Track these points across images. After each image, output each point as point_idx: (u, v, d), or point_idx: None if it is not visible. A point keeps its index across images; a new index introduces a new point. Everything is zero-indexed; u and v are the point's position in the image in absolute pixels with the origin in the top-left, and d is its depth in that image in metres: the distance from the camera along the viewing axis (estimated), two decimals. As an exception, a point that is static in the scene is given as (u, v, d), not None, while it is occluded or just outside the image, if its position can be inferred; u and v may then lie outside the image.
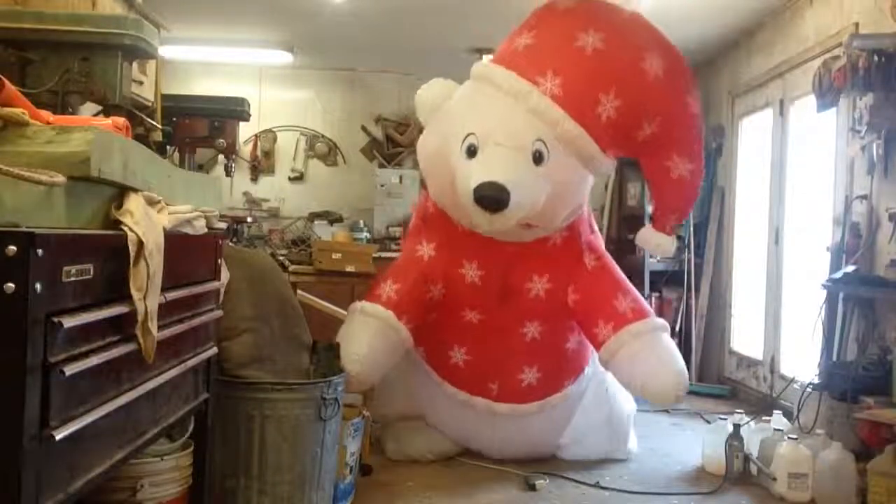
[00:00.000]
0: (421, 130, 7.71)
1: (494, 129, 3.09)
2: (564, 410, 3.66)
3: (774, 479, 3.34)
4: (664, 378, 3.25)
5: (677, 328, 6.09)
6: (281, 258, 4.68)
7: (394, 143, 7.34)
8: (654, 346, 3.30)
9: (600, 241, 3.77)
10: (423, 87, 3.45)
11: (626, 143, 3.32)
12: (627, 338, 3.27)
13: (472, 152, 3.11)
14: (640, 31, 3.18)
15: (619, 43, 3.14)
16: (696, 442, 3.97)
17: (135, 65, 2.32)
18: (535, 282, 3.41)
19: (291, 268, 4.45)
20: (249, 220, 6.22)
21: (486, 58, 3.44)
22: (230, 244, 3.45)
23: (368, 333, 3.22)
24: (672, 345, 3.44)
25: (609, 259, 3.66)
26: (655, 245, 3.43)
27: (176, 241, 1.69)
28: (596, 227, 3.84)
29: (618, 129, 3.19)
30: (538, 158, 3.08)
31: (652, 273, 6.31)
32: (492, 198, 2.95)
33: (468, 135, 3.12)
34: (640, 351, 3.26)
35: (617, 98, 3.10)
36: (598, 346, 3.38)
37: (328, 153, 7.37)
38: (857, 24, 4.06)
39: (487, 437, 3.61)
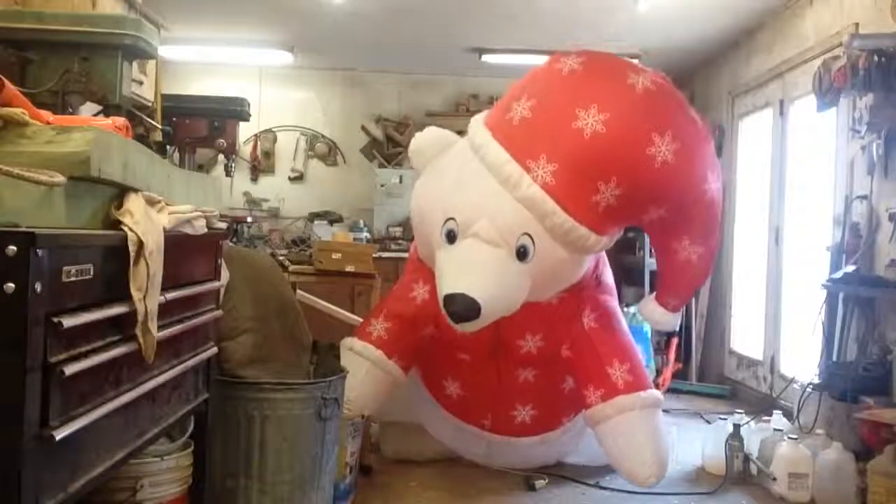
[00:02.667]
0: (420, 130, 7.71)
1: (477, 217, 2.79)
2: (564, 443, 3.57)
3: (774, 479, 3.34)
4: (637, 464, 3.04)
5: (677, 328, 6.09)
6: (281, 258, 4.68)
7: (394, 143, 7.34)
8: (637, 426, 3.06)
9: (607, 280, 3.48)
10: (419, 135, 3.22)
11: (630, 223, 3.13)
12: (612, 412, 3.07)
13: (451, 238, 2.86)
14: (651, 110, 2.77)
15: (623, 125, 2.73)
16: (696, 442, 3.97)
17: (135, 65, 2.32)
18: (527, 339, 3.22)
19: (291, 268, 4.45)
20: (249, 220, 6.22)
21: (481, 116, 3.07)
22: (230, 244, 3.45)
23: (358, 376, 3.05)
24: (657, 425, 3.17)
25: (612, 315, 3.36)
26: (655, 322, 3.20)
27: (176, 241, 1.69)
28: (605, 265, 3.51)
29: (618, 215, 2.91)
30: (522, 254, 2.79)
31: (652, 273, 6.30)
32: (460, 313, 2.73)
33: (449, 219, 2.86)
34: (621, 428, 3.07)
35: (618, 187, 2.77)
36: (585, 408, 3.21)
37: (328, 153, 7.37)
38: (857, 24, 4.06)
39: (484, 454, 3.58)
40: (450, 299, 2.72)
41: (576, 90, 2.80)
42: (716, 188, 2.91)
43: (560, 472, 3.55)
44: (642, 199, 2.90)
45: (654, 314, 3.13)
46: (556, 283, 3.01)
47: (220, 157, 4.44)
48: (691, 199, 2.87)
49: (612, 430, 3.08)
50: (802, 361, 4.25)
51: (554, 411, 3.42)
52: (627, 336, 3.32)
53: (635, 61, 6.30)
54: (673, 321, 3.15)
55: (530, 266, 2.80)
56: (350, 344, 3.25)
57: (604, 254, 3.47)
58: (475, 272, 2.75)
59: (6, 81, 1.47)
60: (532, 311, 3.04)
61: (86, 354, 1.34)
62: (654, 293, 3.21)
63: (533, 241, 2.77)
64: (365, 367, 3.18)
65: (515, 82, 3.08)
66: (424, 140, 3.19)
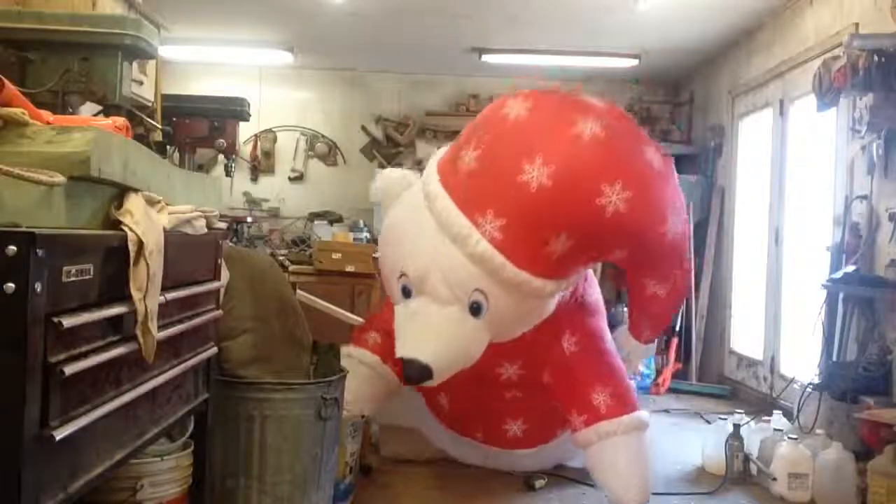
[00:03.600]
0: (420, 130, 7.72)
1: (429, 274, 2.74)
2: (562, 451, 3.53)
3: (774, 479, 3.34)
4: (621, 490, 2.97)
5: (677, 328, 6.10)
6: (281, 258, 4.68)
7: (394, 143, 7.35)
8: (619, 452, 2.99)
9: (592, 298, 3.34)
10: (381, 175, 3.18)
11: (591, 264, 3.03)
12: (594, 437, 3.01)
13: (406, 293, 2.86)
14: (599, 159, 2.62)
15: (569, 178, 2.60)
16: (696, 442, 3.97)
17: (135, 65, 2.31)
18: (505, 367, 3.15)
19: (291, 268, 4.45)
20: (249, 220, 6.22)
21: (438, 156, 2.97)
22: (230, 244, 3.45)
23: (355, 381, 3.02)
24: (640, 449, 3.07)
25: (594, 337, 3.23)
26: (627, 352, 3.12)
27: (176, 241, 1.69)
28: (591, 284, 3.41)
29: (575, 262, 2.83)
30: (476, 310, 2.73)
31: (652, 273, 6.31)
32: (412, 378, 2.74)
33: (402, 274, 2.85)
34: (604, 454, 3.01)
35: (570, 239, 2.68)
36: (571, 430, 3.15)
37: (328, 153, 7.37)
38: (857, 24, 4.06)
39: (482, 462, 3.57)
40: (403, 363, 2.71)
41: (521, 140, 2.67)
42: (677, 228, 2.78)
43: (560, 473, 3.55)
44: (598, 247, 2.85)
45: (627, 344, 3.07)
46: (521, 325, 2.92)
47: (220, 157, 4.44)
48: (650, 243, 2.77)
49: (595, 455, 3.04)
50: (802, 361, 4.26)
51: (546, 425, 3.38)
52: (611, 357, 3.21)
53: (635, 61, 6.37)
54: (647, 351, 3.09)
55: (487, 319, 2.74)
56: (348, 351, 3.27)
57: (590, 272, 3.42)
58: (427, 336, 2.72)
59: (6, 81, 1.47)
60: (508, 340, 2.98)
61: (86, 354, 1.34)
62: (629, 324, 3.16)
63: (486, 296, 2.70)
64: (361, 371, 3.21)
65: (470, 122, 2.96)
66: (385, 183, 3.14)
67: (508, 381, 3.18)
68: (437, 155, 2.99)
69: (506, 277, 2.65)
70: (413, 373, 2.69)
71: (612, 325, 3.55)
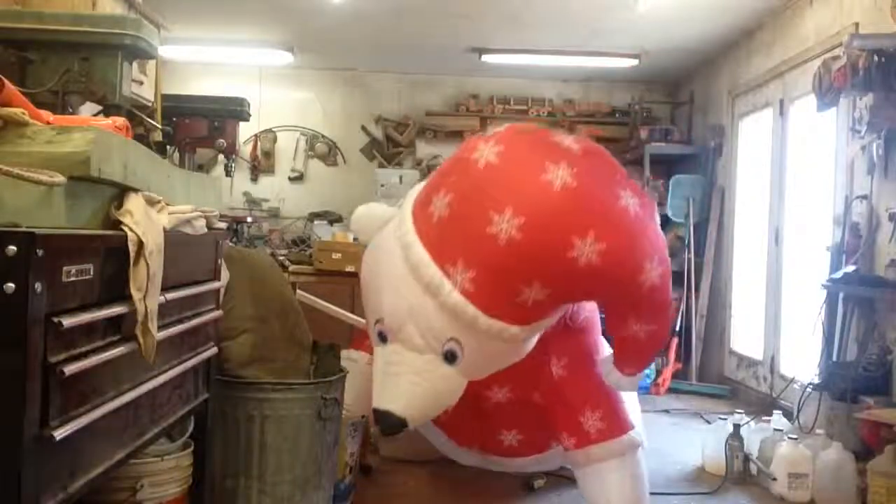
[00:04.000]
0: (420, 130, 7.71)
1: (402, 323, 2.69)
2: (561, 456, 3.44)
3: (774, 479, 3.34)
4: None
5: (677, 328, 6.10)
6: (281, 258, 4.68)
7: (394, 143, 7.35)
8: (609, 476, 2.95)
9: (583, 315, 3.23)
10: (356, 214, 3.08)
11: (572, 305, 3.00)
12: (584, 460, 2.99)
13: (382, 338, 2.80)
14: (570, 210, 2.52)
15: (539, 230, 2.50)
16: (696, 442, 3.97)
17: (135, 65, 2.31)
18: (494, 391, 3.11)
19: (291, 268, 4.45)
20: (249, 220, 6.22)
21: (414, 194, 2.89)
22: (230, 244, 3.45)
23: (356, 383, 3.02)
24: (634, 470, 3.02)
25: (584, 358, 3.15)
26: (615, 384, 3.03)
27: (176, 241, 1.69)
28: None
29: (552, 307, 2.75)
30: (451, 358, 2.66)
31: (652, 273, 6.31)
32: (388, 430, 2.72)
33: (378, 320, 2.80)
34: (594, 478, 2.99)
35: (543, 288, 2.59)
36: (563, 449, 3.13)
37: (328, 153, 7.37)
38: (857, 24, 4.06)
39: (481, 465, 3.54)
40: (377, 413, 2.69)
41: (490, 189, 2.57)
42: (656, 275, 2.63)
43: (560, 473, 3.55)
44: (574, 294, 2.80)
45: (611, 376, 2.99)
46: (499, 366, 2.85)
47: (220, 157, 4.44)
48: (628, 292, 2.68)
49: (586, 477, 3.02)
50: (802, 361, 4.25)
51: (542, 436, 3.33)
52: (601, 376, 3.10)
53: (635, 61, 6.37)
54: (632, 384, 3.02)
55: (462, 366, 2.69)
56: (349, 354, 3.26)
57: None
58: (400, 387, 2.68)
59: (6, 81, 1.47)
60: None
61: (86, 354, 1.34)
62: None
63: (461, 345, 2.64)
64: (361, 372, 3.19)
65: (444, 162, 2.90)
66: (358, 225, 3.06)
67: (498, 403, 3.17)
68: (412, 194, 2.91)
69: (480, 327, 2.59)
70: (387, 425, 2.68)
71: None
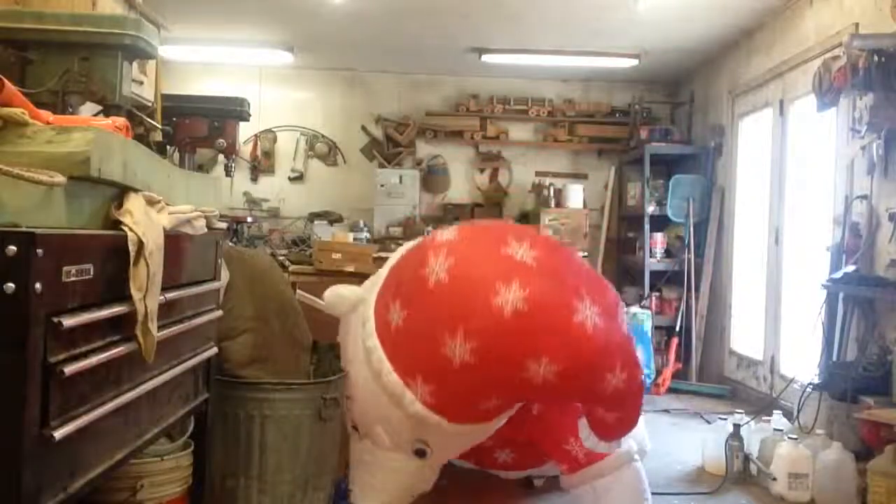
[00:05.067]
0: (420, 130, 7.70)
1: (372, 425, 2.75)
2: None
3: (774, 479, 3.34)
4: None
5: (677, 328, 6.10)
6: (281, 258, 4.68)
7: (394, 143, 7.34)
8: (606, 493, 2.96)
9: None
10: (327, 294, 2.98)
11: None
12: (577, 482, 3.00)
13: (356, 428, 2.88)
14: (521, 336, 2.45)
15: (491, 355, 2.48)
16: (696, 442, 3.97)
17: (135, 65, 2.31)
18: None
19: (291, 268, 4.45)
20: (249, 220, 6.22)
21: (376, 287, 2.88)
22: (230, 244, 3.45)
23: None
24: (632, 483, 3.01)
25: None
26: (590, 446, 3.00)
27: (176, 241, 1.69)
28: None
29: (513, 406, 2.77)
30: (421, 454, 2.73)
31: (652, 273, 6.32)
32: None
33: (353, 425, 2.87)
34: (591, 496, 2.99)
35: (501, 400, 2.65)
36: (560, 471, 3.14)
37: (328, 153, 7.37)
38: (857, 24, 4.06)
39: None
40: None
41: (442, 310, 2.54)
42: (620, 381, 2.52)
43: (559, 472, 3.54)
44: (534, 401, 2.85)
45: (588, 441, 2.98)
46: (471, 444, 2.89)
47: (220, 157, 4.43)
48: (589, 398, 2.67)
49: (585, 496, 3.03)
50: (802, 361, 4.25)
51: (535, 454, 3.31)
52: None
53: (635, 61, 6.36)
54: (611, 447, 2.97)
55: (432, 459, 2.75)
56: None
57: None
58: (375, 486, 2.78)
59: (6, 81, 1.47)
60: None
61: (86, 354, 1.34)
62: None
63: (428, 444, 2.71)
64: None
65: (401, 260, 2.90)
66: (330, 301, 2.97)
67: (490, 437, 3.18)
68: (374, 289, 2.89)
69: (446, 430, 2.63)
70: None
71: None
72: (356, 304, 2.89)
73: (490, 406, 2.65)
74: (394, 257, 3.04)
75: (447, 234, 2.76)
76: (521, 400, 2.76)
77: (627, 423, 2.75)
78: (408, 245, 3.12)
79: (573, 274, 2.65)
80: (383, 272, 2.96)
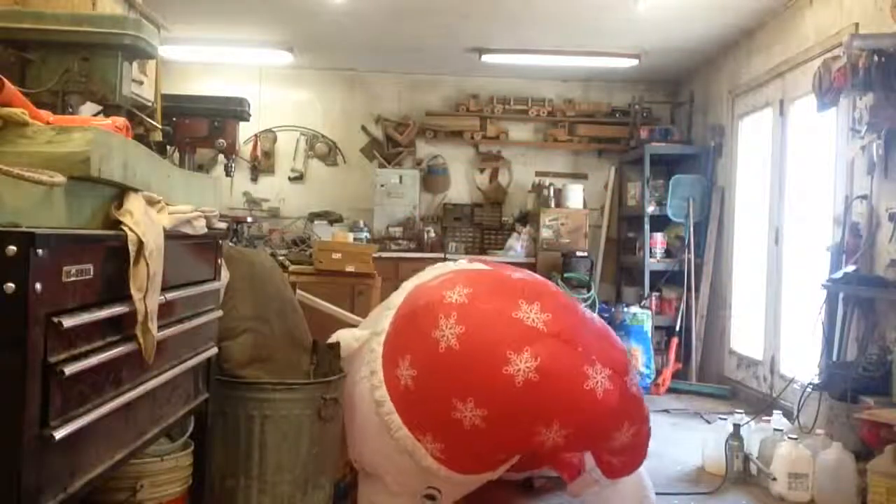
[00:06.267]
0: (420, 130, 7.70)
1: (382, 471, 2.77)
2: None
3: (774, 479, 3.34)
4: None
5: (677, 328, 6.10)
6: (281, 258, 4.68)
7: (394, 143, 7.34)
8: (611, 496, 2.98)
9: None
10: (347, 339, 2.96)
11: None
12: (579, 489, 3.01)
13: (365, 472, 2.90)
14: (532, 405, 2.52)
15: (503, 422, 2.54)
16: (696, 442, 3.97)
17: (135, 65, 2.31)
18: None
19: (291, 268, 4.45)
20: (249, 220, 6.22)
21: (381, 337, 2.85)
22: (230, 244, 3.45)
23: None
24: (635, 482, 3.01)
25: None
26: (594, 478, 3.02)
27: (176, 241, 1.69)
28: None
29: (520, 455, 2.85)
30: (431, 498, 2.78)
31: (652, 273, 6.32)
32: None
33: (356, 459, 2.89)
34: (595, 498, 3.02)
35: (513, 456, 2.77)
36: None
37: (328, 153, 7.37)
38: (857, 24, 4.06)
39: None
40: None
41: (452, 376, 2.57)
42: (628, 436, 2.67)
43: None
44: (543, 457, 2.90)
45: (594, 472, 2.97)
46: (479, 485, 2.91)
47: (220, 157, 4.43)
48: (598, 451, 2.79)
49: (588, 500, 3.06)
50: (802, 361, 4.25)
51: (533, 460, 3.26)
52: None
53: (635, 61, 6.36)
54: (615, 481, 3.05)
55: (443, 501, 2.80)
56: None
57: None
58: None
59: (6, 81, 1.46)
60: None
61: (86, 354, 1.34)
62: None
63: (439, 490, 2.75)
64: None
65: (407, 311, 2.84)
66: (346, 343, 2.99)
67: None
68: (379, 326, 2.88)
69: (455, 480, 2.71)
70: None
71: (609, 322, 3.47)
72: (360, 348, 2.90)
73: (499, 459, 2.76)
74: (399, 295, 2.97)
75: (456, 293, 2.72)
76: (532, 455, 2.85)
77: (633, 466, 2.86)
78: (415, 281, 3.05)
79: (583, 334, 2.68)
80: (389, 312, 2.90)
